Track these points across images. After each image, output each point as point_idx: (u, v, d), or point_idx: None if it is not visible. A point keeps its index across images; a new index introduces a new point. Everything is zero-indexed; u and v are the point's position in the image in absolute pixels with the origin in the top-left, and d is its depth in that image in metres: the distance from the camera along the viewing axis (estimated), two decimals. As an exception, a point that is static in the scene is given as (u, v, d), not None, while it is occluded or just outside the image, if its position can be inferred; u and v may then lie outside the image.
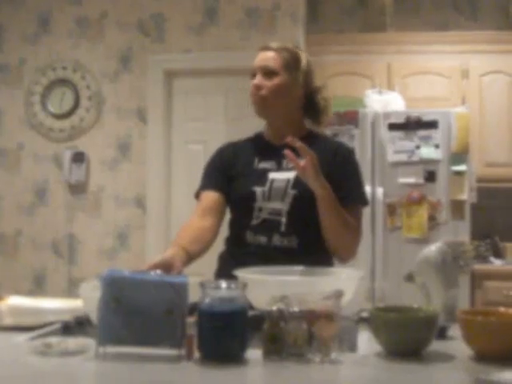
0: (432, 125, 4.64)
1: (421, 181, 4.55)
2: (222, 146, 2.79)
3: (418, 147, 4.61)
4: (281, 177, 2.51)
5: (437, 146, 4.61)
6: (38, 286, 5.31)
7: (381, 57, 5.12)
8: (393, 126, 4.67)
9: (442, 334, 1.94)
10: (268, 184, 2.51)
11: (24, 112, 5.42)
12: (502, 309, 1.90)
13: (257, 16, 5.15)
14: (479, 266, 4.79)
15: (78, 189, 5.31)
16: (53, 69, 5.39)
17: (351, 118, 4.61)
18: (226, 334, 1.67)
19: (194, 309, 1.74)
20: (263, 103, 2.56)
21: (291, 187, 2.48)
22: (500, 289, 4.72)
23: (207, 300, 1.71)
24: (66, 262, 5.29)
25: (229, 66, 5.19)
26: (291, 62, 2.58)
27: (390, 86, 5.13)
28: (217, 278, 2.51)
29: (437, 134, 4.63)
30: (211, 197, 2.61)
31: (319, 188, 2.35)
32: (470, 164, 4.65)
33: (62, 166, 5.30)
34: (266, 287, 1.96)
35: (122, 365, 1.68)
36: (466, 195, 4.61)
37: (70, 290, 5.04)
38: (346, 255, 2.54)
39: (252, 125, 5.06)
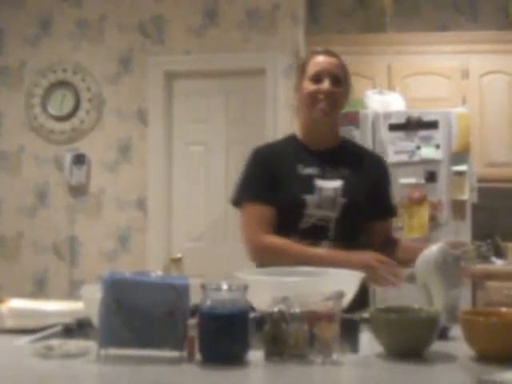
0: (432, 125, 4.64)
1: (421, 181, 4.55)
2: (260, 149, 2.79)
3: (418, 147, 4.61)
4: (328, 185, 2.55)
5: (437, 147, 4.61)
6: (40, 289, 5.30)
7: (381, 57, 5.12)
8: (393, 127, 4.66)
9: (444, 335, 1.94)
10: (317, 192, 2.54)
11: (24, 114, 5.42)
12: (503, 309, 1.90)
13: (257, 17, 5.15)
14: (481, 267, 4.79)
15: (78, 191, 5.31)
16: (53, 71, 5.38)
17: (352, 118, 4.61)
18: (227, 335, 1.67)
19: (195, 310, 1.74)
20: (330, 109, 2.59)
21: (340, 195, 2.54)
22: (501, 289, 4.72)
23: (208, 302, 1.71)
24: (67, 264, 5.29)
25: (229, 68, 5.19)
26: (347, 73, 2.66)
27: (391, 87, 5.13)
28: None
29: (437, 135, 4.63)
30: (268, 212, 2.58)
31: None
32: (470, 164, 4.65)
33: (63, 168, 5.29)
34: (267, 288, 1.96)
35: (123, 367, 1.68)
36: (467, 195, 4.61)
37: (72, 292, 5.03)
38: None
39: (252, 126, 5.11)
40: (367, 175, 2.59)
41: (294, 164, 2.61)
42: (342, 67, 2.62)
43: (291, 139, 2.74)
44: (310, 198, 2.53)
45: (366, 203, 2.57)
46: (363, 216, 2.59)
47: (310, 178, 2.56)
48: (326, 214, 2.52)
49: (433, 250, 2.22)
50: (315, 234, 2.51)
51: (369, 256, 2.35)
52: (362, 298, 2.30)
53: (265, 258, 2.55)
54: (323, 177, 2.57)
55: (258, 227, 2.57)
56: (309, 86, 2.59)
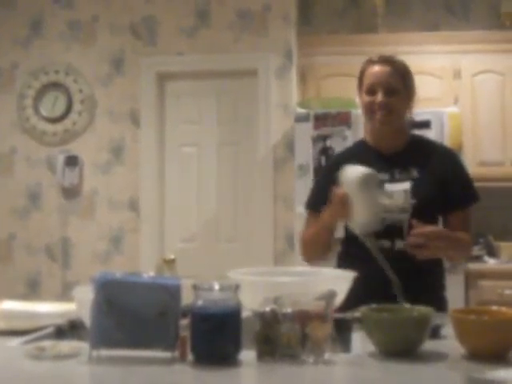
0: (425, 125, 4.64)
1: (414, 181, 4.56)
2: (332, 157, 3.11)
3: (410, 147, 4.61)
4: (397, 188, 2.60)
5: (429, 146, 4.61)
6: (32, 290, 5.29)
7: (373, 58, 5.12)
8: (385, 127, 4.66)
9: (435, 333, 1.94)
10: (387, 196, 2.58)
11: (16, 116, 5.41)
12: (494, 307, 1.91)
13: (248, 18, 5.15)
14: (473, 266, 4.80)
15: (71, 192, 5.30)
16: (45, 72, 5.38)
17: (344, 119, 4.61)
18: (219, 335, 1.67)
19: (187, 311, 1.74)
20: (387, 119, 2.62)
21: (410, 197, 2.58)
22: (494, 288, 4.73)
23: (200, 302, 1.71)
24: (59, 265, 5.28)
25: (221, 68, 5.19)
26: (406, 76, 2.69)
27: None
28: None
29: (429, 134, 4.61)
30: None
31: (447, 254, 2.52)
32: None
33: (55, 169, 5.28)
34: (259, 289, 1.96)
35: (116, 368, 1.68)
36: (459, 195, 4.61)
37: (65, 294, 5.02)
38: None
39: (245, 127, 5.11)
40: (436, 172, 2.62)
41: None
42: (398, 73, 2.63)
43: (360, 144, 2.81)
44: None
45: (436, 200, 2.60)
46: (436, 211, 2.63)
47: (381, 182, 2.60)
48: (397, 217, 2.57)
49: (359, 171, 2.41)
50: (390, 234, 2.56)
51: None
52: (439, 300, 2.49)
53: (302, 253, 2.78)
54: (392, 180, 2.62)
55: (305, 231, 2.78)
56: (365, 98, 2.65)
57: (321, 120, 4.66)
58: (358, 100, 2.74)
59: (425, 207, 2.57)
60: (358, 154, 2.75)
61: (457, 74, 5.20)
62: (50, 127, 5.35)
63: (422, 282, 2.51)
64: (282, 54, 5.09)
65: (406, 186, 2.59)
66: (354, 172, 2.42)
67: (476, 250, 5.07)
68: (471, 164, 4.94)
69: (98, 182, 5.28)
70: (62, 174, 5.24)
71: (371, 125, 2.68)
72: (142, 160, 5.22)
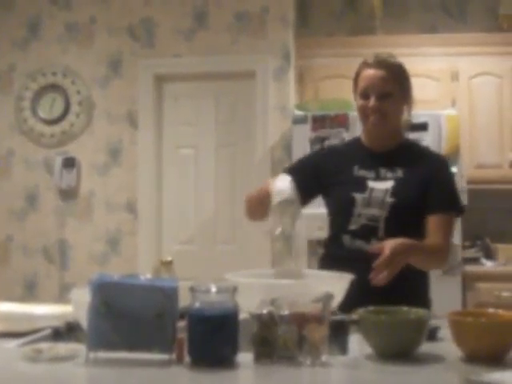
0: (422, 127, 4.64)
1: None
2: (328, 149, 3.09)
3: (408, 149, 4.61)
4: (380, 186, 2.61)
5: (427, 148, 4.62)
6: (30, 292, 5.29)
7: (370, 60, 5.12)
8: (383, 129, 4.67)
9: (432, 336, 1.94)
10: (368, 192, 2.60)
11: (14, 118, 5.41)
12: (491, 310, 1.91)
13: (246, 20, 5.15)
14: (471, 268, 4.81)
15: (68, 194, 5.30)
16: (43, 74, 5.37)
17: (341, 121, 4.62)
18: (216, 337, 1.67)
19: (184, 313, 1.74)
20: (380, 122, 2.63)
21: (390, 196, 2.58)
22: (491, 290, 4.73)
23: (197, 304, 1.71)
24: (57, 267, 5.28)
25: (219, 70, 5.19)
26: (402, 80, 2.69)
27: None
28: None
29: (427, 137, 4.64)
30: None
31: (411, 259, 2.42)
32: (460, 166, 4.66)
33: (53, 171, 5.28)
34: (257, 291, 1.96)
35: (113, 370, 1.68)
36: (457, 197, 4.61)
37: (62, 296, 5.02)
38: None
39: (242, 129, 5.11)
40: (421, 174, 2.62)
41: (352, 165, 2.69)
42: (392, 77, 2.63)
43: (355, 141, 2.83)
44: (359, 196, 2.60)
45: (415, 202, 2.59)
46: (416, 215, 2.60)
47: (364, 179, 2.64)
48: (374, 214, 2.57)
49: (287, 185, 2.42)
50: (366, 234, 2.56)
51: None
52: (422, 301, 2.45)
53: (246, 213, 2.77)
54: (377, 178, 2.63)
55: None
56: (359, 101, 2.66)
57: (318, 122, 4.67)
58: (354, 101, 2.76)
59: (403, 207, 2.57)
60: (349, 150, 2.80)
61: (454, 77, 5.20)
62: (47, 129, 5.35)
63: (404, 283, 2.41)
64: (279, 55, 5.09)
65: (389, 185, 2.60)
66: (278, 191, 2.43)
67: (473, 252, 5.08)
68: (468, 166, 4.95)
69: (96, 184, 5.28)
70: (60, 175, 5.24)
71: (365, 127, 2.70)
72: (140, 162, 5.21)
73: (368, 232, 2.56)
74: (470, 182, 4.84)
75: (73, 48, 5.37)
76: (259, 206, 2.58)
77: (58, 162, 5.25)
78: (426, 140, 4.61)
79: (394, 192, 2.58)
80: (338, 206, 2.68)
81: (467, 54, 5.19)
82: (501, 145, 5.14)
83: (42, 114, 5.37)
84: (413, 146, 2.79)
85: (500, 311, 1.88)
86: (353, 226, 2.59)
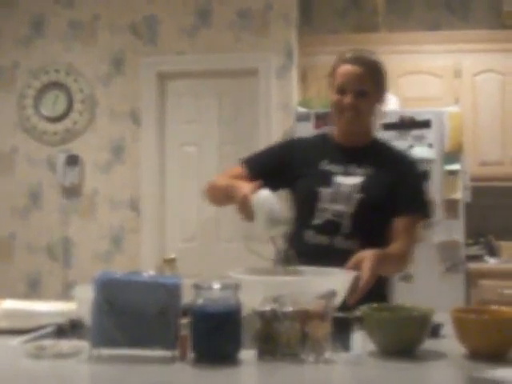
0: (425, 124, 4.65)
1: (414, 180, 4.56)
2: (294, 139, 3.05)
3: (411, 147, 4.61)
4: (347, 181, 2.57)
5: (430, 146, 4.62)
6: (33, 290, 5.30)
7: (374, 57, 5.11)
8: (386, 126, 4.66)
9: (435, 333, 1.94)
10: (335, 186, 2.56)
11: (17, 115, 5.42)
12: (494, 307, 1.91)
13: (249, 17, 5.15)
14: (474, 265, 4.81)
15: (72, 192, 5.31)
16: (46, 72, 5.38)
17: (344, 118, 4.61)
18: (219, 334, 1.67)
19: (187, 310, 1.74)
20: (354, 120, 2.61)
21: (357, 191, 2.54)
22: (495, 287, 4.73)
23: (200, 301, 1.71)
24: (60, 265, 5.29)
25: (222, 68, 5.19)
26: (378, 78, 2.64)
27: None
28: None
29: (430, 134, 4.64)
30: (244, 174, 2.67)
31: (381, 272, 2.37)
32: (463, 163, 4.66)
33: (56, 169, 5.29)
34: (260, 288, 1.96)
35: (116, 367, 1.68)
36: (460, 194, 4.62)
37: (65, 293, 5.03)
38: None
39: (245, 127, 5.11)
40: (389, 174, 2.59)
41: (319, 159, 2.65)
42: (369, 74, 2.59)
43: (324, 135, 2.79)
44: (324, 191, 2.55)
45: (383, 201, 2.56)
46: (382, 214, 2.57)
47: (331, 173, 2.59)
48: (340, 209, 2.53)
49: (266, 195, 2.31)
50: (329, 230, 2.52)
51: (242, 192, 2.34)
52: (379, 291, 2.33)
53: (205, 197, 2.74)
54: (345, 174, 2.59)
55: (225, 175, 2.72)
56: (334, 97, 2.62)
57: (321, 119, 4.66)
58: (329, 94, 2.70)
59: (370, 204, 2.53)
60: (318, 144, 2.75)
61: (457, 74, 5.20)
62: (50, 127, 5.36)
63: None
64: (282, 53, 5.09)
65: (357, 180, 2.56)
66: (265, 204, 2.31)
67: (476, 250, 5.08)
68: (472, 164, 4.95)
69: (99, 182, 5.29)
70: (63, 173, 5.24)
71: (339, 123, 2.66)
72: (143, 159, 5.22)
73: (332, 228, 2.52)
74: (473, 180, 4.85)
75: (76, 46, 5.37)
76: (225, 200, 2.55)
77: (61, 159, 5.26)
78: (430, 137, 4.62)
79: (363, 188, 2.54)
80: (301, 200, 2.62)
81: (470, 52, 5.18)
82: (504, 142, 5.13)
83: (45, 111, 5.37)
84: (383, 146, 2.77)
85: (503, 308, 1.88)
86: (316, 221, 2.54)
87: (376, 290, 2.28)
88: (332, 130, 2.75)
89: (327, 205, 2.54)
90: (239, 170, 2.69)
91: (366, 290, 2.17)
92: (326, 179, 2.58)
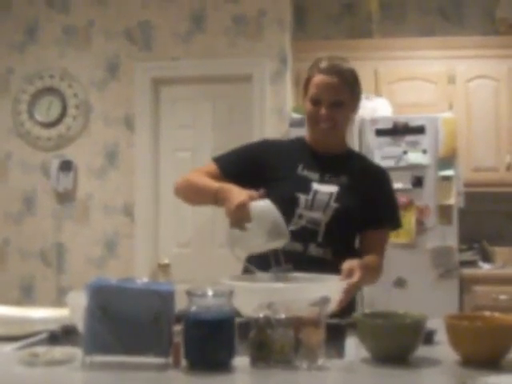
0: (419, 130, 4.66)
1: (408, 186, 4.57)
2: (267, 139, 2.95)
3: (405, 152, 4.63)
4: (324, 189, 2.56)
5: (424, 152, 4.63)
6: (27, 295, 5.29)
7: (368, 63, 5.13)
8: (380, 132, 4.68)
9: (429, 339, 1.94)
10: (312, 194, 2.55)
11: (11, 121, 5.41)
12: (487, 313, 1.91)
13: (244, 23, 5.15)
14: (468, 271, 4.81)
15: (65, 197, 5.30)
16: (40, 77, 5.37)
17: (338, 124, 4.62)
18: (212, 341, 1.67)
19: (180, 316, 1.74)
20: (330, 130, 2.59)
21: (334, 200, 2.54)
22: (489, 293, 4.74)
23: (193, 308, 1.71)
24: (54, 270, 5.28)
25: (216, 74, 5.19)
26: (353, 87, 2.61)
27: (377, 92, 5.15)
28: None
29: (424, 140, 4.65)
30: (214, 174, 2.61)
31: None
32: (457, 169, 4.67)
33: (50, 174, 5.28)
34: (253, 294, 1.96)
35: (109, 374, 1.68)
36: (454, 200, 4.63)
37: (59, 299, 5.02)
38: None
39: (239, 132, 5.11)
40: (364, 185, 2.60)
41: (296, 164, 2.63)
42: (345, 85, 2.55)
43: (300, 140, 2.76)
44: (302, 197, 2.54)
45: (358, 211, 2.56)
46: (355, 224, 2.58)
47: (308, 180, 2.58)
48: (316, 217, 2.52)
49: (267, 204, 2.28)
50: (304, 237, 2.51)
51: (241, 197, 2.28)
52: (349, 303, 2.31)
53: (178, 193, 2.68)
54: (321, 181, 2.58)
55: (199, 170, 2.66)
56: (309, 107, 2.59)
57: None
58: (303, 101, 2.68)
59: (345, 214, 2.53)
60: (293, 148, 2.72)
61: (451, 80, 5.22)
62: (44, 132, 5.35)
63: None
64: (276, 59, 5.10)
65: (333, 189, 2.55)
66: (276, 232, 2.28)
67: (470, 255, 5.09)
68: (465, 169, 4.96)
69: (93, 187, 5.28)
70: (57, 178, 5.23)
71: (313, 133, 2.64)
72: (137, 165, 5.21)
73: (307, 235, 2.51)
74: (467, 185, 4.86)
75: (70, 51, 5.37)
76: (202, 199, 2.54)
77: (54, 165, 5.25)
78: (424, 143, 4.63)
79: (339, 197, 2.54)
80: (278, 205, 2.46)
81: (464, 57, 5.20)
82: (498, 148, 5.15)
83: (39, 117, 5.37)
84: (357, 156, 2.80)
85: (496, 314, 1.88)
86: (292, 227, 2.48)
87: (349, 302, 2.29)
88: (306, 135, 2.73)
89: (304, 211, 2.53)
90: (212, 167, 2.64)
91: (351, 297, 2.20)
92: (304, 185, 2.57)
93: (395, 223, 2.73)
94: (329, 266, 2.34)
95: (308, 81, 2.62)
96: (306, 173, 2.61)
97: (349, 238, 2.61)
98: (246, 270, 2.53)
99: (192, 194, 2.62)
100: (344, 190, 2.56)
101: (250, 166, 2.63)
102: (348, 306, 2.26)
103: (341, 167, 2.62)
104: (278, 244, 2.26)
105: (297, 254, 2.48)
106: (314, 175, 2.60)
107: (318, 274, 2.25)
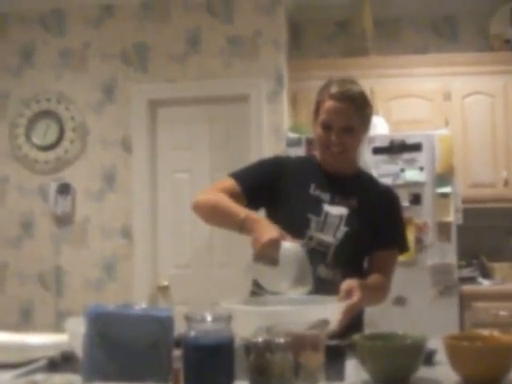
0: (416, 147, 4.67)
1: (406, 204, 4.56)
2: (280, 157, 2.96)
3: (402, 170, 4.63)
4: (335, 212, 2.56)
5: (421, 169, 4.64)
6: (25, 319, 5.27)
7: (363, 81, 4.99)
8: (377, 150, 4.69)
9: (429, 360, 1.93)
10: (323, 215, 2.55)
11: (8, 144, 5.41)
12: (486, 332, 1.90)
13: (239, 43, 5.17)
14: (467, 287, 4.80)
15: (63, 220, 5.29)
16: (37, 101, 5.39)
17: (335, 143, 4.62)
18: (211, 366, 1.66)
19: (180, 341, 1.73)
20: (340, 155, 2.59)
21: (344, 224, 2.54)
22: (489, 309, 4.73)
23: (192, 333, 1.70)
24: (53, 294, 5.26)
25: (212, 94, 5.21)
26: (364, 111, 2.61)
27: (374, 110, 5.15)
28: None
29: (421, 157, 4.66)
30: (234, 188, 2.59)
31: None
32: (454, 185, 4.68)
33: (48, 197, 5.28)
34: (253, 318, 1.95)
35: (108, 401, 1.67)
36: (452, 217, 4.63)
37: (58, 323, 4.99)
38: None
39: (237, 152, 5.11)
40: (373, 207, 2.60)
41: (308, 183, 2.63)
42: (356, 110, 2.55)
43: (311, 158, 2.76)
44: (314, 219, 2.54)
45: (367, 234, 2.56)
46: (364, 246, 2.58)
47: (320, 200, 2.58)
48: (326, 240, 2.52)
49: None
50: (313, 259, 2.47)
51: (274, 234, 2.28)
52: (355, 323, 2.31)
53: (197, 211, 2.59)
54: (332, 203, 2.58)
55: (211, 189, 2.62)
56: (319, 132, 2.59)
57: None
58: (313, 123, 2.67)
59: (355, 237, 2.54)
60: (305, 166, 2.72)
61: (447, 96, 5.23)
62: (42, 155, 5.36)
63: None
64: (272, 78, 5.11)
65: (344, 211, 2.56)
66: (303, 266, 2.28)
67: (469, 272, 5.08)
68: (463, 186, 4.97)
69: (91, 210, 5.28)
70: (55, 202, 5.23)
71: (324, 156, 2.64)
72: (135, 187, 5.21)
73: (317, 257, 2.49)
74: (464, 201, 4.86)
75: (66, 74, 5.39)
76: (225, 224, 2.49)
77: (52, 188, 5.26)
78: (420, 160, 4.64)
79: (349, 220, 2.55)
80: (290, 224, 2.49)
81: (459, 74, 5.22)
82: (494, 163, 5.16)
83: (37, 140, 5.37)
84: (368, 177, 2.79)
85: (495, 333, 1.87)
86: None
87: (355, 321, 2.30)
88: (317, 154, 2.73)
89: (314, 233, 2.53)
90: (229, 183, 2.61)
91: (351, 317, 2.19)
92: (316, 206, 2.57)
93: (403, 246, 2.72)
94: (337, 287, 2.32)
95: (318, 105, 2.62)
96: (318, 193, 2.60)
97: (358, 260, 2.61)
98: (254, 293, 2.52)
99: (215, 215, 2.55)
100: (354, 213, 2.56)
101: (266, 182, 2.62)
102: (354, 325, 2.27)
103: (351, 189, 2.62)
104: (300, 292, 2.25)
105: None
106: (325, 196, 2.59)
107: (326, 295, 2.24)
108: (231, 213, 2.44)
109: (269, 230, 2.28)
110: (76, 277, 5.25)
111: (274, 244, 2.23)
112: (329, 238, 2.53)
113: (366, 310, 2.64)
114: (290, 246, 2.23)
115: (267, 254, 2.24)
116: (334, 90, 2.56)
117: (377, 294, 2.54)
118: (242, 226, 2.37)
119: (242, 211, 2.42)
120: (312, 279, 2.26)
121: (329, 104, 2.56)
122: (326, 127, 2.56)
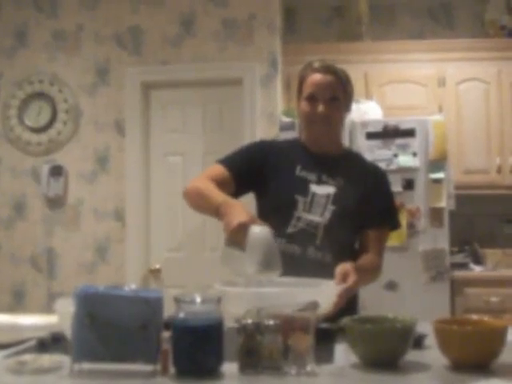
0: (409, 133, 4.66)
1: (399, 189, 4.56)
2: (265, 141, 3.03)
3: (395, 155, 4.63)
4: (321, 191, 2.56)
5: (414, 154, 4.63)
6: (18, 301, 5.27)
7: (358, 66, 5.13)
8: (370, 135, 4.69)
9: (419, 343, 1.94)
10: (310, 196, 2.55)
11: (1, 126, 5.39)
12: (475, 317, 1.91)
13: (233, 27, 5.15)
14: (459, 273, 4.82)
15: (56, 202, 5.28)
16: (29, 82, 5.36)
17: (329, 127, 4.62)
18: (200, 348, 1.66)
19: (169, 323, 1.73)
20: (327, 129, 2.61)
21: (331, 203, 2.55)
22: (480, 295, 4.75)
23: (182, 314, 1.70)
24: (45, 276, 5.26)
25: (206, 78, 5.19)
26: (347, 86, 2.64)
27: (368, 95, 5.15)
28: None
29: (414, 142, 4.65)
30: (224, 173, 2.59)
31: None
32: (447, 171, 4.68)
33: (40, 179, 5.26)
34: (245, 299, 1.95)
35: (97, 381, 1.67)
36: (445, 202, 4.63)
37: (50, 305, 4.98)
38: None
39: (230, 136, 5.10)
40: (360, 185, 2.59)
41: (294, 164, 2.63)
42: (340, 83, 2.59)
43: (295, 141, 2.79)
44: (301, 200, 2.54)
45: (355, 212, 2.56)
46: (353, 225, 2.58)
47: (306, 181, 2.58)
48: (314, 220, 2.52)
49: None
50: (302, 240, 2.51)
51: (242, 218, 2.23)
52: (350, 305, 2.32)
53: (186, 199, 2.59)
54: (318, 182, 2.58)
55: (207, 176, 2.60)
56: (305, 107, 2.60)
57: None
58: (297, 102, 2.68)
59: (343, 216, 2.53)
60: (290, 148, 2.72)
61: (441, 82, 5.22)
62: (34, 137, 5.33)
63: None
64: (267, 62, 5.10)
65: (331, 190, 2.56)
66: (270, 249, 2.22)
67: (462, 258, 5.09)
68: (456, 172, 4.97)
69: (83, 192, 5.26)
70: (47, 184, 5.22)
71: (309, 133, 2.66)
72: (128, 169, 5.20)
73: (306, 238, 2.51)
74: (457, 188, 4.87)
75: (60, 56, 5.36)
76: (208, 211, 2.46)
77: (45, 170, 5.24)
78: (414, 146, 4.63)
79: (336, 199, 2.55)
80: (277, 206, 2.54)
81: (454, 60, 5.22)
82: (488, 150, 5.16)
83: (29, 122, 5.35)
84: (354, 156, 2.80)
85: (485, 318, 1.88)
86: (290, 230, 2.52)
87: (350, 305, 2.31)
88: (300, 136, 2.75)
89: (302, 214, 2.53)
90: (219, 170, 2.61)
91: (345, 301, 2.19)
92: (302, 187, 2.57)
93: (394, 223, 2.74)
94: (328, 268, 2.33)
95: (302, 81, 2.64)
96: (304, 173, 2.61)
97: (348, 240, 2.60)
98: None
99: (199, 202, 2.55)
100: (341, 192, 2.57)
101: (254, 165, 2.63)
102: (349, 307, 2.28)
103: (337, 168, 2.62)
104: (268, 276, 2.21)
105: (295, 257, 2.48)
106: (312, 176, 2.60)
107: (316, 277, 2.22)
108: (211, 199, 2.43)
109: (239, 214, 2.24)
110: (68, 259, 5.24)
111: (243, 228, 2.20)
112: (317, 217, 2.53)
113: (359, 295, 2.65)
114: (257, 230, 2.20)
115: (236, 239, 2.22)
116: (317, 64, 2.61)
117: (370, 274, 2.55)
118: (217, 211, 2.34)
119: (220, 197, 2.39)
120: (280, 264, 2.20)
121: (314, 77, 2.59)
122: (313, 99, 2.57)
